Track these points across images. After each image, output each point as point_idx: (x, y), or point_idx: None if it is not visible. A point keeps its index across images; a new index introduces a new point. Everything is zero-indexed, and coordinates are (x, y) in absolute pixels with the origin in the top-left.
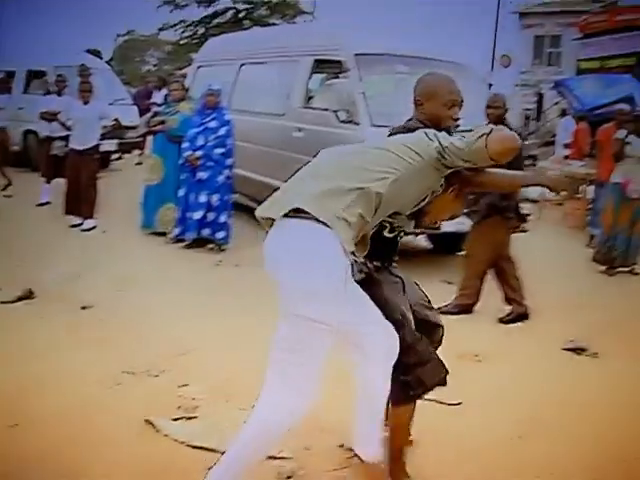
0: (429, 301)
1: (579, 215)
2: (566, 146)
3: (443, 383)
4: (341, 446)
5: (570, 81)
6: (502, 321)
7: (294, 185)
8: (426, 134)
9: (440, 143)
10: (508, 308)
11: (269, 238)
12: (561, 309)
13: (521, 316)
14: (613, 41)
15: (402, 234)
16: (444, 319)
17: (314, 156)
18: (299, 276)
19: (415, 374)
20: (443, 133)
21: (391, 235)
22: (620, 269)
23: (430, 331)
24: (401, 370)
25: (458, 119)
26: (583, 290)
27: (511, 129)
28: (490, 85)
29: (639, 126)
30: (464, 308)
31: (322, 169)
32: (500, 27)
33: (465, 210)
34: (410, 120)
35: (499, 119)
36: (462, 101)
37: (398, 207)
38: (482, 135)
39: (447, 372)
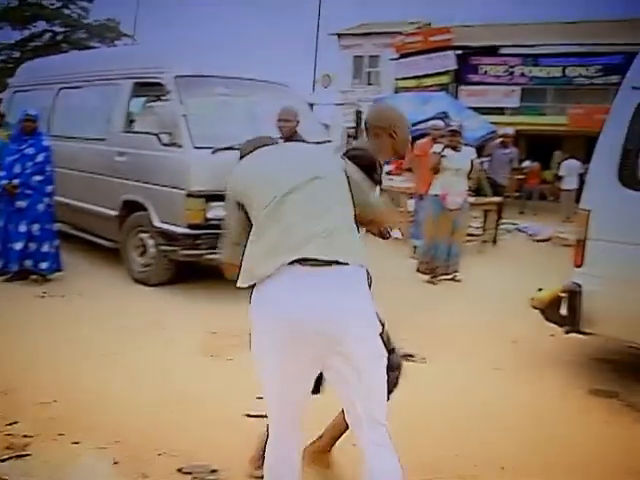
0: None
1: (402, 228)
2: (387, 162)
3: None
4: (180, 470)
5: (388, 99)
6: None
7: (301, 228)
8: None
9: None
10: None
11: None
12: (389, 319)
13: None
14: (428, 61)
15: None
16: None
17: (137, 180)
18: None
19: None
20: None
21: None
22: (443, 277)
23: None
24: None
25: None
26: (409, 299)
27: (302, 141)
28: (312, 105)
29: (454, 140)
30: None
31: (319, 206)
32: (320, 48)
33: None
34: (357, 150)
35: (291, 131)
36: None
37: None
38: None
39: None
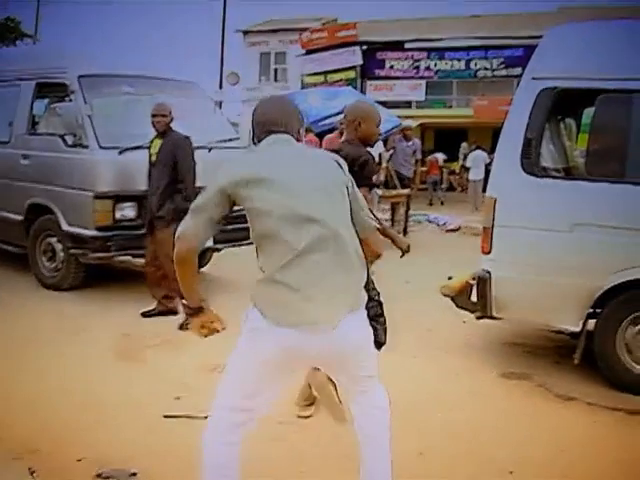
0: None
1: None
2: None
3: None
4: (99, 475)
5: (295, 95)
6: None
7: (328, 284)
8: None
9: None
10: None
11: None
12: None
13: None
14: (334, 56)
15: None
16: None
17: (43, 183)
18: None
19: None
20: None
21: None
22: None
23: None
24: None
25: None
26: None
27: (179, 137)
28: (220, 103)
29: None
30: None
31: (348, 250)
32: (226, 45)
33: None
34: (347, 141)
35: (165, 127)
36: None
37: None
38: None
39: None
